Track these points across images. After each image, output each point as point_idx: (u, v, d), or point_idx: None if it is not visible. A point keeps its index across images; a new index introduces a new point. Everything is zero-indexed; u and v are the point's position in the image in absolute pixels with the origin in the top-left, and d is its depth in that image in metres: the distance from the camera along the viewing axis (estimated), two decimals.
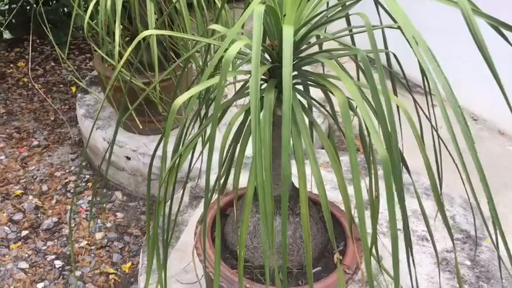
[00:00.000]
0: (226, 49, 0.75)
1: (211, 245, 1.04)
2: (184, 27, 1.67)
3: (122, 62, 0.90)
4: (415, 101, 0.96)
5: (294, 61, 0.92)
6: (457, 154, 0.69)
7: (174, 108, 0.82)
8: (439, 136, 0.95)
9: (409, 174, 0.93)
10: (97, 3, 1.56)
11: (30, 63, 2.91)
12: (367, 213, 1.02)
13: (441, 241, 1.46)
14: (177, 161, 0.92)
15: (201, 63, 1.08)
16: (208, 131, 0.92)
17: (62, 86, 2.69)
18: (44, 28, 1.64)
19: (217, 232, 0.85)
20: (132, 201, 1.91)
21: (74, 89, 2.61)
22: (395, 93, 1.06)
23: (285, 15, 0.86)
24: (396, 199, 0.69)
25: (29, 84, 2.70)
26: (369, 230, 1.01)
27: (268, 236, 0.75)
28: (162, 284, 0.94)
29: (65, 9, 2.94)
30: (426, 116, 0.95)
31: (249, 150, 0.82)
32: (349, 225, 0.99)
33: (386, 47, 0.98)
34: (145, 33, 0.85)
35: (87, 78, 2.31)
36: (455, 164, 0.98)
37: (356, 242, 1.05)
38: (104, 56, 1.61)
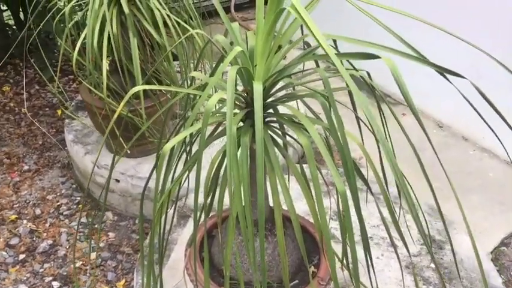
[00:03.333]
0: (207, 98, 0.88)
1: (200, 265, 1.17)
2: (166, 57, 1.79)
3: (107, 94, 1.02)
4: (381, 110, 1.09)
5: (266, 102, 1.05)
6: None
7: (164, 153, 0.94)
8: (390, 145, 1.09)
9: (367, 185, 1.07)
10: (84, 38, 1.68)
11: (15, 88, 2.99)
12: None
13: (409, 246, 1.61)
14: (168, 194, 1.05)
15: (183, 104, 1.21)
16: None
17: (47, 109, 2.78)
18: (26, 52, 1.74)
19: (206, 255, 0.98)
20: (122, 220, 2.03)
21: (59, 112, 2.70)
22: (380, 109, 1.19)
23: (255, 66, 0.99)
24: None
25: (16, 109, 2.79)
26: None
27: (250, 256, 0.88)
28: None
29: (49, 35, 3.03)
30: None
31: None
32: (321, 240, 1.13)
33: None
34: (135, 89, 0.97)
35: (73, 103, 2.42)
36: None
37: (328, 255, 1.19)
38: (92, 89, 1.72)
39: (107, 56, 1.76)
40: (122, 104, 0.95)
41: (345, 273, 1.38)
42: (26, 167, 2.33)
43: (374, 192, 1.14)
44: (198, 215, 1.13)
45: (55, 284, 1.74)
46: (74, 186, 2.21)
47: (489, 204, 2.00)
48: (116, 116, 0.95)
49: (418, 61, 0.90)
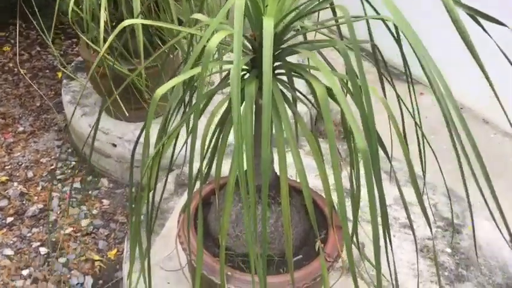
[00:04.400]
0: (209, 39, 0.75)
1: (194, 233, 1.05)
2: (170, 13, 1.66)
3: (105, 47, 0.90)
4: (386, 90, 0.97)
5: (276, 51, 0.92)
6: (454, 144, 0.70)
7: (155, 98, 0.82)
8: (418, 125, 0.96)
9: (390, 161, 0.94)
10: None
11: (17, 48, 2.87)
12: (350, 202, 1.03)
13: (423, 228, 1.49)
14: (160, 149, 0.93)
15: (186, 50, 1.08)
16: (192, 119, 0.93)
17: (48, 71, 2.67)
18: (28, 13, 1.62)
19: (200, 222, 0.86)
20: (118, 188, 1.92)
21: (59, 74, 2.58)
22: (382, 83, 1.07)
23: (267, 6, 0.86)
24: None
25: (15, 70, 2.67)
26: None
27: (251, 225, 0.76)
28: (145, 274, 0.95)
29: None
30: (409, 108, 0.96)
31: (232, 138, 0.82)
32: (330, 214, 1.01)
33: (371, 38, 0.98)
34: (127, 22, 0.84)
35: (73, 64, 2.30)
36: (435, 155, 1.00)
37: (337, 230, 1.06)
38: (89, 42, 1.60)
39: (106, 9, 1.63)
40: (112, 36, 0.82)
41: (355, 252, 1.26)
42: (21, 129, 2.22)
43: (387, 169, 1.01)
44: (197, 177, 1.01)
45: (42, 249, 1.64)
46: (70, 150, 2.10)
47: (510, 190, 1.87)
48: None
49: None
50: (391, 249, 0.88)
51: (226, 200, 0.86)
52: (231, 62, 0.89)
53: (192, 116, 0.89)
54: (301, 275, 0.98)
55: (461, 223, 1.53)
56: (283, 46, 0.91)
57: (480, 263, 1.40)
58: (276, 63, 0.93)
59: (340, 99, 0.72)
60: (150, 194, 0.94)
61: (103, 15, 1.49)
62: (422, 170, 1.20)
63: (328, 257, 1.02)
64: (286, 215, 0.80)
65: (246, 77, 0.90)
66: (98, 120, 0.96)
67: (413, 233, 0.91)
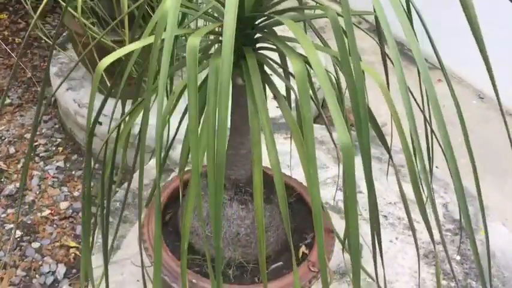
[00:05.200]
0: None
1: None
2: None
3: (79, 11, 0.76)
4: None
5: (257, 20, 0.76)
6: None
7: (98, 70, 0.67)
8: (427, 121, 0.80)
9: (389, 154, 0.79)
10: None
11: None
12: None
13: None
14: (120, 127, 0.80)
15: None
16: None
17: (43, 41, 2.53)
18: None
19: (158, 218, 0.71)
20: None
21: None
22: (386, 66, 0.91)
23: None
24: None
25: (9, 38, 2.54)
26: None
27: (203, 225, 0.62)
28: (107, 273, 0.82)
29: None
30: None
31: None
32: (317, 216, 0.85)
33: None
34: None
35: (64, 34, 2.15)
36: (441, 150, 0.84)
37: (326, 235, 0.91)
38: (70, 9, 1.45)
39: None
40: None
41: (346, 256, 1.11)
42: (8, 101, 2.09)
43: (396, 163, 0.86)
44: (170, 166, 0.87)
45: (16, 232, 1.52)
46: (57, 126, 1.97)
47: None
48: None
49: None
50: (381, 255, 0.74)
51: (189, 196, 0.72)
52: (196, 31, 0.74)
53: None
54: (278, 286, 0.83)
55: (475, 226, 1.37)
56: (266, 13, 0.75)
57: (493, 274, 1.24)
58: (259, 35, 0.77)
59: (320, 78, 0.56)
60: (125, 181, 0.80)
61: None
62: (429, 166, 1.05)
63: (312, 266, 0.87)
64: (260, 212, 0.65)
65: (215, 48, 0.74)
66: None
67: (414, 235, 0.76)
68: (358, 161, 0.56)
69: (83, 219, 0.79)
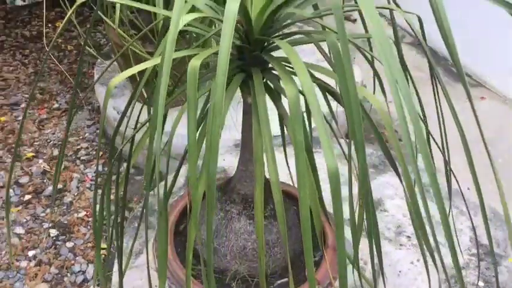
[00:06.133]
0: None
1: (172, 246, 0.94)
2: None
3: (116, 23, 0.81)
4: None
5: (264, 43, 0.78)
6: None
7: (110, 87, 0.72)
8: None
9: (398, 176, 0.78)
10: None
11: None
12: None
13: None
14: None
15: None
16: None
17: (93, 49, 2.65)
18: None
19: (161, 235, 0.75)
20: (139, 174, 1.85)
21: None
22: (434, 83, 0.90)
23: None
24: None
25: (62, 46, 2.68)
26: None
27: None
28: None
29: None
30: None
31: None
32: (319, 233, 0.86)
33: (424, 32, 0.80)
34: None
35: (110, 43, 2.25)
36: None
37: (332, 253, 0.92)
38: (106, 19, 1.53)
39: None
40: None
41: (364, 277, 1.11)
42: (56, 105, 2.21)
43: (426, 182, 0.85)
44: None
45: (52, 231, 1.61)
46: (99, 131, 2.06)
47: None
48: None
49: None
50: (382, 275, 0.74)
51: (191, 219, 0.74)
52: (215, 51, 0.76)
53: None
54: None
55: (502, 253, 1.32)
56: (274, 36, 0.77)
57: None
58: (266, 56, 0.79)
59: (312, 105, 0.57)
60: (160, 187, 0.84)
61: None
62: (448, 185, 1.03)
63: (317, 284, 0.88)
64: (260, 228, 0.67)
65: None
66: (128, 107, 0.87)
67: (433, 258, 0.75)
68: (383, 179, 0.56)
69: (94, 227, 0.83)
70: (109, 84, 0.70)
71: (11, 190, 1.75)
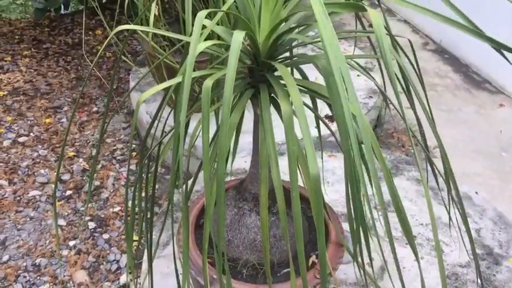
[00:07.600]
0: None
1: (193, 239, 1.08)
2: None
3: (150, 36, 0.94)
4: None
5: (272, 63, 0.91)
6: None
7: (138, 103, 0.85)
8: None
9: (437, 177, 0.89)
10: None
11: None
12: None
13: (456, 254, 1.39)
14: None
15: None
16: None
17: (130, 55, 2.83)
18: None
19: (184, 230, 0.87)
20: (169, 173, 2.00)
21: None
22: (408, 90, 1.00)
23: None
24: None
25: (102, 52, 2.88)
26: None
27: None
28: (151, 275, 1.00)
29: None
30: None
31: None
32: (319, 229, 0.98)
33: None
34: (118, 28, 0.88)
35: (144, 51, 2.42)
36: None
37: (335, 247, 1.03)
38: (138, 30, 1.68)
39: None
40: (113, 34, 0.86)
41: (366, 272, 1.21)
42: (95, 109, 2.40)
43: (431, 186, 0.96)
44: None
45: (91, 224, 1.78)
46: (134, 133, 2.23)
47: None
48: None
49: (472, 34, 0.70)
50: (399, 270, 0.84)
51: (206, 214, 0.87)
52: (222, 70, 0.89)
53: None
54: (286, 287, 0.97)
55: (504, 253, 1.40)
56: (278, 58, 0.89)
57: None
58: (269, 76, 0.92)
59: (300, 118, 0.69)
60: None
61: (153, 8, 1.55)
62: (448, 188, 1.12)
63: (318, 274, 1.00)
64: (264, 223, 0.79)
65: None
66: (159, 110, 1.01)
67: (439, 254, 0.85)
68: (395, 182, 0.67)
69: (126, 221, 0.97)
70: (139, 99, 0.84)
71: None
